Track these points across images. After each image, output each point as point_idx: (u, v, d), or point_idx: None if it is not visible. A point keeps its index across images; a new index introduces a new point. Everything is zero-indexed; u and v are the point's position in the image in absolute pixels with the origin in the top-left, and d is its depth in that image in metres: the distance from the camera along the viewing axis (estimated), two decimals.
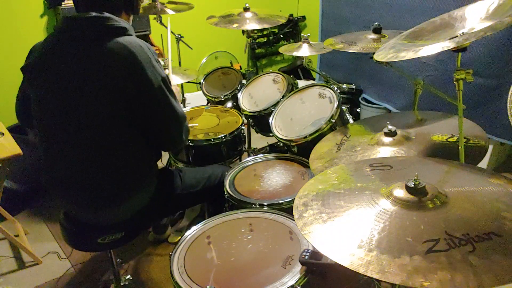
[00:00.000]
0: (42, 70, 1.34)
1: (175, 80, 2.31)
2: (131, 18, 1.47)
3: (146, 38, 3.19)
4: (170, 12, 2.54)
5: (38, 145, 1.42)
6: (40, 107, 1.37)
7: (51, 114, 1.35)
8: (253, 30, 2.53)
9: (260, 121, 2.14)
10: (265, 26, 2.37)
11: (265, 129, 2.14)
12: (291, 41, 4.20)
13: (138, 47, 1.30)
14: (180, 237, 1.32)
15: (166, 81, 1.35)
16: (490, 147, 2.41)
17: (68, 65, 1.30)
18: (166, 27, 2.40)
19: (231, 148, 2.02)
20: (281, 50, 2.26)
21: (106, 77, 1.27)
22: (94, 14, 1.30)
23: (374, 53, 1.31)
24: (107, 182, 1.37)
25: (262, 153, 2.16)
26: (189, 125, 2.09)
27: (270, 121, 1.96)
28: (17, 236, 2.18)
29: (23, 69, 1.41)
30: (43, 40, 1.40)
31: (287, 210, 1.40)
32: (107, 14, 1.31)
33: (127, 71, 1.27)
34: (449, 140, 1.32)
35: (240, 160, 2.08)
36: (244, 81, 2.45)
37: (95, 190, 1.37)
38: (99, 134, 1.32)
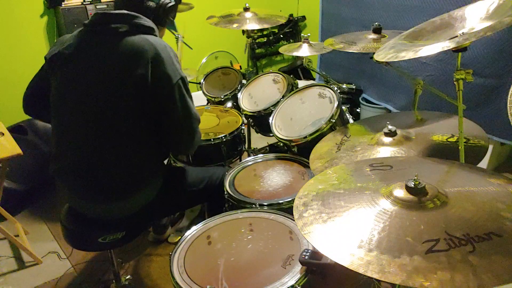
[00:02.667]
0: (67, 61, 1.38)
1: None
2: (159, 30, 1.51)
3: None
4: None
5: (50, 134, 1.46)
6: (60, 96, 1.41)
7: (69, 103, 1.39)
8: (253, 30, 2.53)
9: (260, 121, 2.14)
10: (265, 26, 2.37)
11: (265, 129, 2.14)
12: (291, 41, 4.20)
13: (163, 45, 1.36)
14: (180, 237, 1.32)
15: (185, 81, 1.40)
16: (490, 147, 2.41)
17: (92, 57, 1.35)
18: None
19: (231, 148, 2.02)
20: (281, 50, 2.26)
21: (126, 69, 1.31)
22: (125, 11, 1.36)
23: (374, 53, 1.31)
24: (115, 174, 1.39)
25: (262, 153, 2.16)
26: None
27: (270, 121, 1.96)
28: (17, 236, 2.18)
29: (46, 58, 1.44)
30: (75, 33, 1.44)
31: (287, 210, 1.40)
32: (138, 14, 1.37)
33: (147, 64, 1.31)
34: (449, 140, 1.32)
35: (240, 160, 2.07)
36: (244, 81, 2.45)
37: (103, 180, 1.39)
38: (112, 126, 1.35)
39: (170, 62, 1.35)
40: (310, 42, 2.20)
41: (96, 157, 1.37)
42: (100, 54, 1.35)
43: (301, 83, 2.38)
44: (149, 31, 1.39)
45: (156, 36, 1.41)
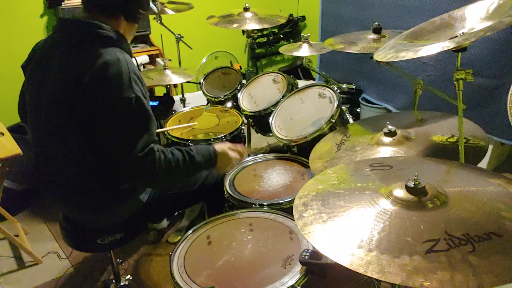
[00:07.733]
0: (34, 70, 1.34)
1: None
2: (133, 26, 1.38)
3: (146, 38, 3.19)
4: (170, 12, 2.54)
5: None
6: (29, 108, 1.36)
7: (38, 116, 1.32)
8: (253, 30, 2.53)
9: (260, 121, 2.14)
10: (265, 26, 2.37)
11: (265, 129, 2.14)
12: (291, 41, 4.20)
13: (115, 60, 1.22)
14: (180, 237, 1.32)
15: (138, 100, 1.21)
16: (490, 147, 2.41)
17: (53, 68, 1.27)
18: (166, 27, 2.39)
19: None
20: (281, 50, 2.26)
21: (74, 84, 1.21)
22: (85, 19, 1.27)
23: (374, 53, 1.31)
24: (98, 186, 1.34)
25: (262, 153, 2.16)
26: (188, 124, 2.10)
27: (270, 121, 1.96)
28: (17, 236, 2.18)
29: (22, 67, 1.40)
30: (44, 39, 1.39)
31: (287, 210, 1.40)
32: (98, 22, 1.25)
33: (94, 83, 1.19)
34: (449, 140, 1.32)
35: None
36: (244, 81, 2.45)
37: (88, 193, 1.35)
38: (82, 139, 1.26)
39: (119, 80, 1.19)
40: (310, 42, 2.20)
41: (75, 171, 1.31)
42: (57, 67, 1.25)
43: (301, 83, 2.38)
44: (108, 41, 1.24)
45: (116, 46, 1.26)
